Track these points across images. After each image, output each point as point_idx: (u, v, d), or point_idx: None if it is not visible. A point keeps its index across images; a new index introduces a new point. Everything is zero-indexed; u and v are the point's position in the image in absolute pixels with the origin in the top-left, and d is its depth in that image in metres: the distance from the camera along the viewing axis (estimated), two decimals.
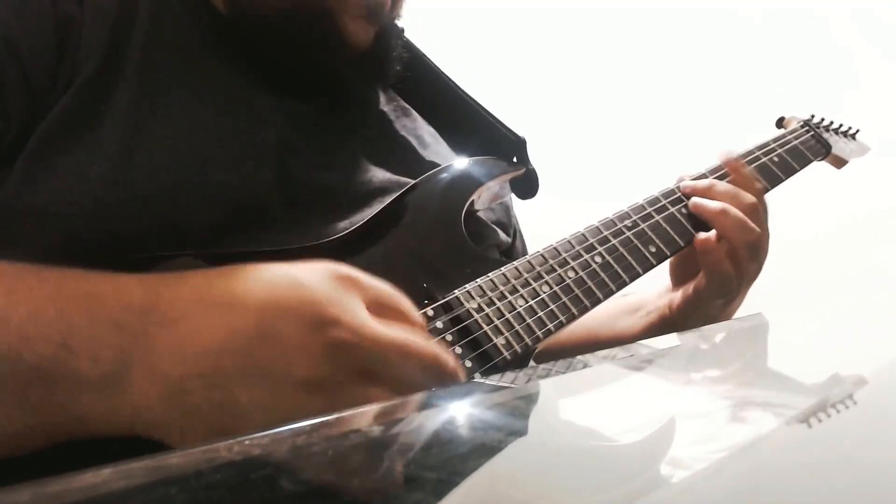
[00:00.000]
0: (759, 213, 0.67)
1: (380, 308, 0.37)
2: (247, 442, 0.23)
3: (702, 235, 0.65)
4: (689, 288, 0.69)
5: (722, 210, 0.65)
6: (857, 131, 0.97)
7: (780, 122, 0.94)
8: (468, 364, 0.49)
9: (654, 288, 0.76)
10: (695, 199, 0.68)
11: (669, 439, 0.26)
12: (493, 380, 0.45)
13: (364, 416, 0.29)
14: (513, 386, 0.37)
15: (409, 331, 0.37)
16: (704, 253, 0.65)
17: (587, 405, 0.34)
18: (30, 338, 0.33)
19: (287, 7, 0.57)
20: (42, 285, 0.35)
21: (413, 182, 0.59)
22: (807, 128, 0.88)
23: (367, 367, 0.34)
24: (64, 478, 0.18)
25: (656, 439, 0.27)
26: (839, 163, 0.92)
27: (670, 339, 0.49)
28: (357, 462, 0.23)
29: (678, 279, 0.72)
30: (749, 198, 0.67)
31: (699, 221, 0.68)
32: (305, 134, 0.59)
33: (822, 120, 0.92)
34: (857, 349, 0.43)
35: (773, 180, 0.77)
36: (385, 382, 0.35)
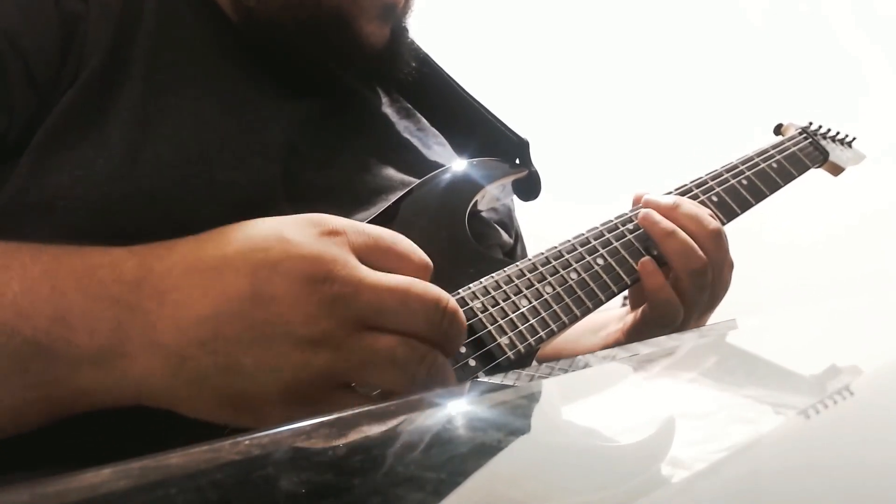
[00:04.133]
0: (720, 240, 0.64)
1: (374, 253, 0.37)
2: (247, 442, 0.23)
3: (645, 258, 0.62)
4: (638, 313, 0.67)
5: (669, 232, 0.62)
6: (854, 139, 0.98)
7: (778, 129, 0.94)
8: (472, 363, 0.49)
9: (618, 309, 0.74)
10: (648, 213, 0.64)
11: (670, 440, 0.26)
12: (496, 379, 0.45)
13: (364, 415, 0.29)
14: (514, 385, 0.37)
15: (407, 273, 0.37)
16: (646, 276, 0.62)
17: (588, 405, 0.34)
18: (25, 313, 0.33)
19: (304, 16, 0.57)
20: (36, 262, 0.36)
21: (417, 182, 0.59)
22: (805, 135, 0.88)
23: (367, 317, 0.34)
24: (64, 478, 0.19)
25: (656, 440, 0.26)
26: (836, 170, 0.92)
27: (670, 340, 0.49)
28: (357, 462, 0.23)
29: (634, 302, 0.70)
30: (711, 223, 0.64)
31: None
32: (310, 134, 0.59)
33: (820, 127, 0.92)
34: (857, 349, 0.43)
35: (772, 187, 0.77)
36: (388, 330, 0.35)
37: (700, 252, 0.62)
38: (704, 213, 0.65)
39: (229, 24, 0.59)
